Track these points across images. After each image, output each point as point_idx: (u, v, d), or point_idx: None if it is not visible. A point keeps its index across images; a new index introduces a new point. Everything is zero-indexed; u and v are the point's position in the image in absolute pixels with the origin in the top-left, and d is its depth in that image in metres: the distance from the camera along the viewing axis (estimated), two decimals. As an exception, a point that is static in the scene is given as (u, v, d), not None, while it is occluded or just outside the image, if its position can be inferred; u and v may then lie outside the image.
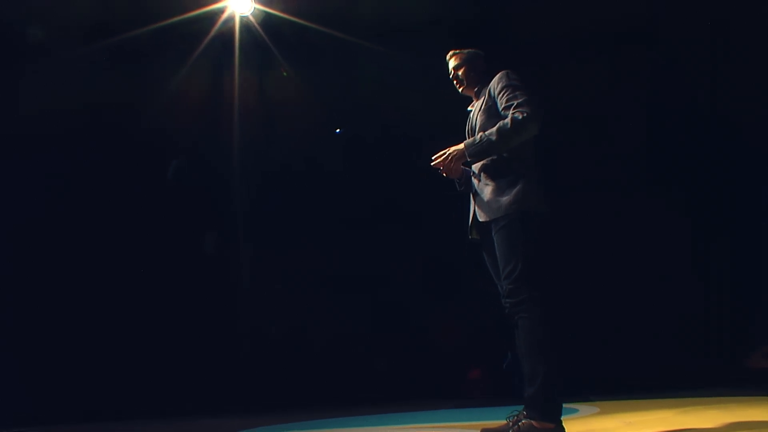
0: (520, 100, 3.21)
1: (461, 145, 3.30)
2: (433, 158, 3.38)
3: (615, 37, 6.86)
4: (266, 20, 6.77)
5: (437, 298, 7.44)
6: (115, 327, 6.60)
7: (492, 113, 3.33)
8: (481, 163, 3.33)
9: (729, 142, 7.18)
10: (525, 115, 3.15)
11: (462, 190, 3.55)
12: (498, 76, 3.36)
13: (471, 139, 3.31)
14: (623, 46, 6.97)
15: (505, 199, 3.23)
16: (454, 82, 3.59)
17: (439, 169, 3.38)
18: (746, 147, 7.08)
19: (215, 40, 6.76)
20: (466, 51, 3.57)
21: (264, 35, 6.85)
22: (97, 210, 6.74)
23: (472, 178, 3.45)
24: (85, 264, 6.63)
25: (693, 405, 4.65)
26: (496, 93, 3.33)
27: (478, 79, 3.51)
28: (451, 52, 3.59)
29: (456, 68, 3.56)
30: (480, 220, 3.34)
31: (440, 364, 7.18)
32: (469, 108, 3.58)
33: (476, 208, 3.39)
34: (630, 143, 7.31)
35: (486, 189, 3.32)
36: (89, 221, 6.70)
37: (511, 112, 3.19)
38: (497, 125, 3.20)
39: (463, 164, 3.40)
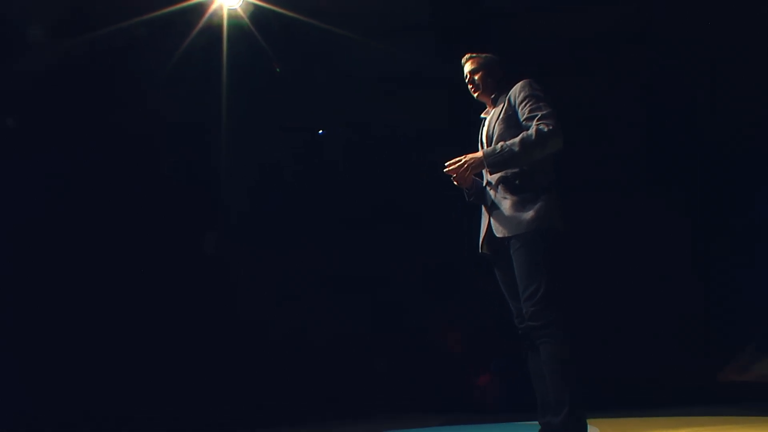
0: (544, 112, 3.07)
1: (479, 154, 3.11)
2: (446, 164, 3.18)
3: (614, 37, 6.85)
4: (256, 13, 6.39)
5: (437, 298, 7.43)
6: (115, 327, 6.59)
7: (512, 123, 3.16)
8: (500, 174, 3.14)
9: (729, 142, 7.18)
10: (551, 128, 3.01)
11: (471, 201, 3.35)
12: (520, 84, 3.20)
13: (490, 148, 3.11)
14: (623, 46, 6.96)
15: (527, 214, 3.05)
16: (470, 86, 3.39)
17: (451, 176, 3.18)
18: (746, 147, 7.08)
19: (202, 34, 6.41)
20: (483, 55, 3.38)
21: (254, 29, 6.51)
22: (97, 210, 6.73)
23: (488, 189, 3.23)
24: (85, 264, 6.61)
25: (696, 425, 4.59)
26: (517, 102, 3.16)
27: (495, 85, 3.34)
28: (467, 55, 3.40)
29: (472, 72, 3.36)
30: (497, 235, 3.14)
31: (440, 364, 7.18)
32: (482, 115, 3.42)
33: (492, 221, 3.18)
34: (630, 143, 7.31)
35: (505, 203, 3.13)
36: (89, 221, 6.69)
37: (535, 123, 3.04)
38: (520, 136, 3.04)
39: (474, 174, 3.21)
